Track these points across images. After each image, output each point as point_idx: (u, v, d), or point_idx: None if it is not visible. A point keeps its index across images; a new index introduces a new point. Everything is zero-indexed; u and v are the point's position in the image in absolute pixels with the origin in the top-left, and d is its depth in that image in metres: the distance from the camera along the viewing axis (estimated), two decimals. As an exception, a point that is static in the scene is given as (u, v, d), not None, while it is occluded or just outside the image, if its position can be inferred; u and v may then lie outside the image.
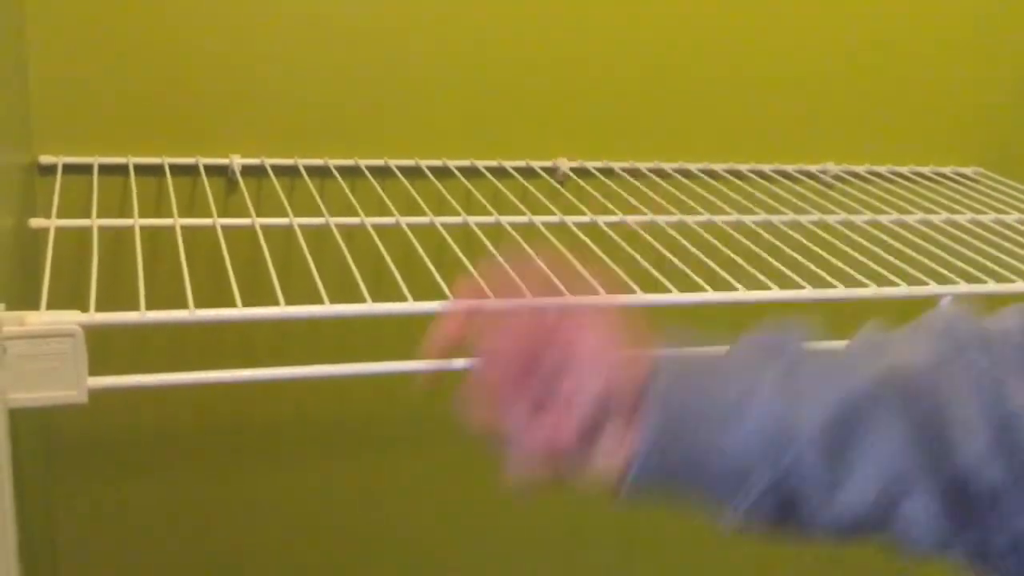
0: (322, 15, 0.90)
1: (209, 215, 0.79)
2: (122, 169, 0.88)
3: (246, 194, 0.86)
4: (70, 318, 0.55)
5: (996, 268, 0.84)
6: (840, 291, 0.77)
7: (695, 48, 1.01)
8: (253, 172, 0.92)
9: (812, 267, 0.80)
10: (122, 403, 0.97)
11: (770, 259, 0.81)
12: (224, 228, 0.76)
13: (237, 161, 0.91)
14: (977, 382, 0.44)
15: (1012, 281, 0.82)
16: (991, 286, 0.81)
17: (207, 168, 0.89)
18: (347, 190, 0.88)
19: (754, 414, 0.45)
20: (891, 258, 0.83)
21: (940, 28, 1.07)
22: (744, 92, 1.04)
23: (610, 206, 0.91)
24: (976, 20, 1.08)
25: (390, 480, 1.12)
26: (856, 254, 0.83)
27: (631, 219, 0.87)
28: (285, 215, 0.81)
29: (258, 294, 0.67)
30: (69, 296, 0.61)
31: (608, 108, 1.00)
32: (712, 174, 1.03)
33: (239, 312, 0.64)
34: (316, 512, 1.11)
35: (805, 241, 0.86)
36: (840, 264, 0.81)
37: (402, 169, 0.94)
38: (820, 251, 0.83)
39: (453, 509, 1.16)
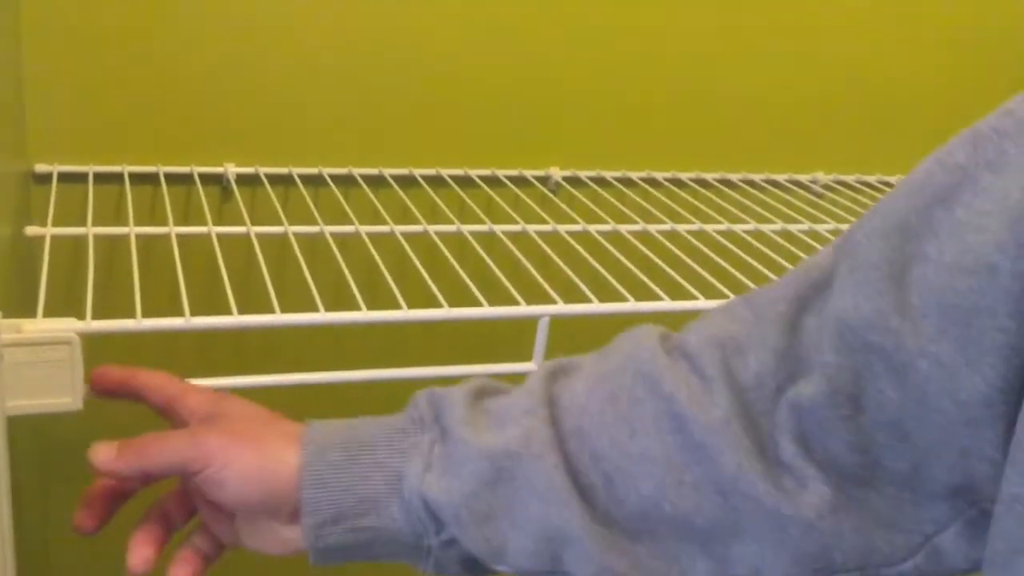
0: (317, 25, 0.91)
1: (204, 223, 0.79)
2: (117, 178, 0.88)
3: (240, 202, 0.86)
4: (67, 326, 0.55)
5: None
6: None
7: (686, 59, 1.02)
8: (247, 181, 0.92)
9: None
10: (116, 411, 0.97)
11: (761, 267, 0.82)
12: (219, 236, 0.77)
13: (232, 170, 0.91)
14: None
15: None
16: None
17: (202, 177, 0.90)
18: (341, 198, 0.88)
19: (405, 496, 0.47)
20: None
21: (928, 38, 1.09)
22: (734, 102, 1.05)
23: (602, 214, 0.92)
24: (962, 34, 1.09)
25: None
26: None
27: (623, 228, 0.88)
28: (280, 223, 0.81)
29: (252, 302, 0.68)
30: (65, 304, 0.61)
31: (600, 118, 1.01)
32: (703, 183, 1.04)
33: (234, 320, 0.65)
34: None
35: (795, 250, 0.87)
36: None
37: (396, 178, 0.94)
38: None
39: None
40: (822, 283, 0.45)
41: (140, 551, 0.52)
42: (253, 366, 0.69)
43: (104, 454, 0.51)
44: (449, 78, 0.95)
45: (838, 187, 1.08)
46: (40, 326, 0.55)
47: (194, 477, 0.49)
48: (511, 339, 0.83)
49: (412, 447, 0.48)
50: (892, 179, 1.11)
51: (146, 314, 0.62)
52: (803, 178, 1.08)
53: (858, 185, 1.09)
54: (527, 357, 0.71)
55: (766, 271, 0.81)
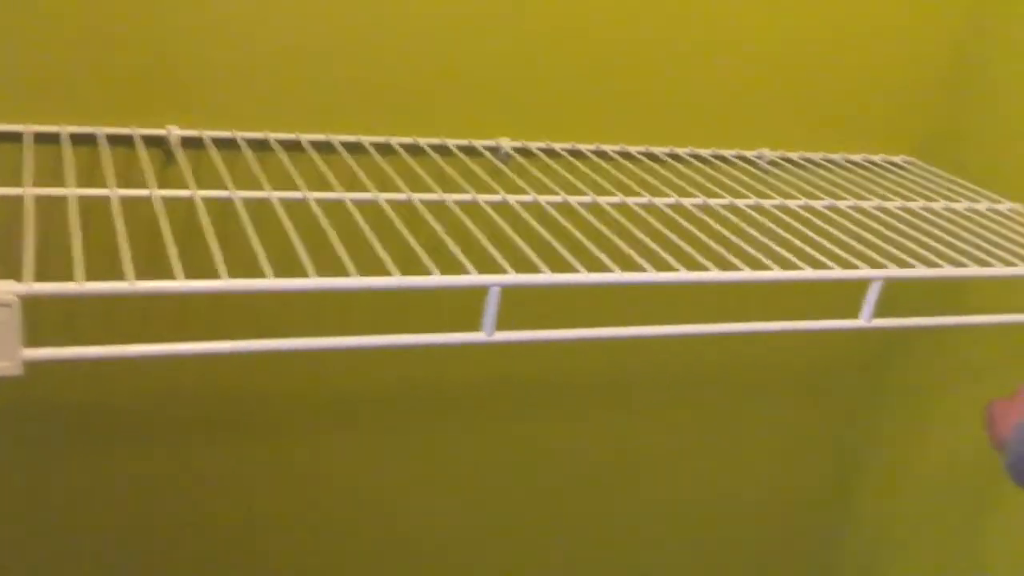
0: (264, -14, 0.89)
1: (146, 187, 0.77)
2: (54, 138, 0.85)
3: (184, 166, 0.84)
4: (6, 287, 0.53)
5: (924, 253, 0.86)
6: (776, 273, 0.79)
7: (635, 31, 1.01)
8: (191, 144, 0.90)
9: (750, 250, 0.82)
10: (54, 376, 0.95)
11: (709, 241, 0.83)
12: (162, 200, 0.75)
13: (175, 132, 0.89)
14: None
15: (939, 266, 0.85)
16: (920, 271, 0.83)
17: (144, 139, 0.87)
18: (288, 164, 0.87)
19: None
20: (825, 242, 0.85)
21: (873, 19, 1.10)
22: (683, 77, 1.05)
23: (552, 186, 0.92)
24: (910, 12, 1.11)
25: (328, 461, 1.12)
26: (791, 237, 0.85)
27: (573, 199, 0.88)
28: (224, 188, 0.79)
29: (196, 267, 0.66)
30: (2, 267, 0.59)
31: (550, 89, 1.01)
32: (652, 157, 1.04)
33: (180, 284, 0.63)
34: (251, 488, 1.10)
35: (743, 224, 0.88)
36: (776, 247, 0.83)
37: (345, 145, 0.93)
38: (757, 234, 0.85)
39: (367, 495, 1.16)
40: None
41: None
42: (197, 332, 0.67)
43: None
44: (398, 46, 0.94)
45: (783, 163, 1.09)
46: (-24, 288, 0.53)
47: None
48: (461, 309, 0.82)
49: None
50: (835, 156, 1.13)
51: (86, 279, 0.60)
52: (750, 154, 1.09)
53: (802, 162, 1.10)
54: (476, 327, 0.71)
55: (714, 244, 0.82)
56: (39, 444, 0.98)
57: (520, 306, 0.84)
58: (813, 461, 1.36)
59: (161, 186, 0.79)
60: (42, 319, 0.59)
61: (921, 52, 1.14)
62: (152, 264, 0.77)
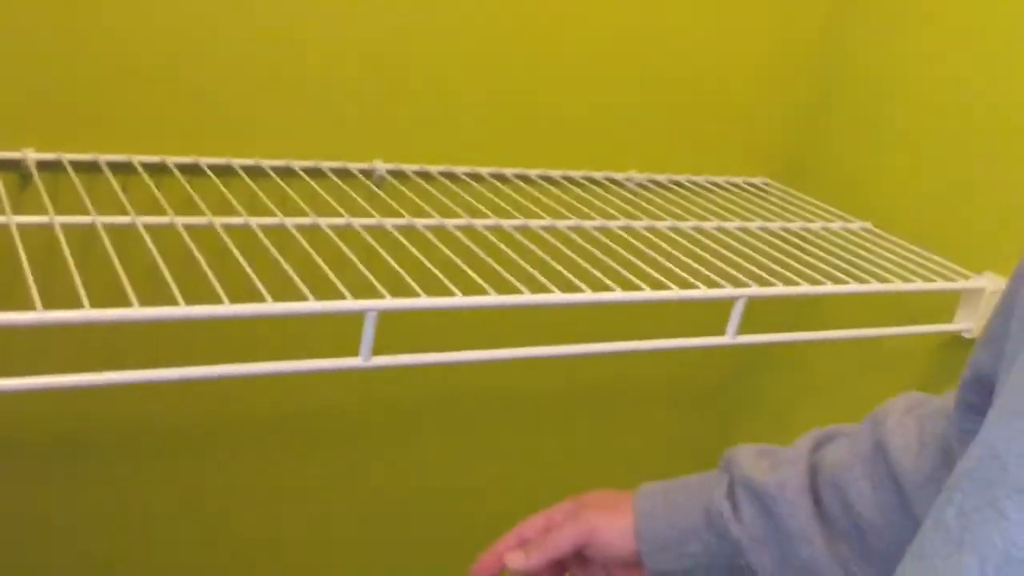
0: (126, 6, 0.86)
1: (1, 212, 0.74)
2: None
3: (42, 190, 0.81)
4: None
5: (784, 272, 0.91)
6: (647, 293, 0.81)
7: (504, 55, 1.03)
8: (49, 167, 0.86)
9: (622, 271, 0.84)
10: None
11: (582, 262, 0.85)
12: (18, 227, 0.71)
13: (31, 155, 0.85)
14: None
15: (797, 284, 0.89)
16: (779, 288, 0.87)
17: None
18: (153, 187, 0.84)
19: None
20: (691, 262, 0.88)
21: (736, 46, 1.15)
22: (555, 100, 1.07)
23: (428, 208, 0.92)
24: (769, 41, 1.16)
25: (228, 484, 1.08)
26: (660, 258, 0.88)
27: (448, 222, 0.88)
28: (86, 213, 0.76)
29: (56, 296, 0.64)
30: None
31: (424, 111, 1.01)
32: (525, 179, 1.06)
33: (37, 316, 0.60)
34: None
35: (613, 245, 0.90)
36: (646, 267, 0.85)
37: (213, 168, 0.91)
38: (627, 255, 0.88)
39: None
40: None
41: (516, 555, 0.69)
42: (57, 364, 0.64)
43: (518, 560, 0.68)
44: (269, 64, 0.93)
45: (651, 185, 1.12)
46: None
47: (586, 549, 0.68)
48: (337, 334, 0.82)
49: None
50: (699, 179, 1.17)
51: (-64, 310, 0.57)
52: (619, 176, 1.12)
53: (669, 184, 1.14)
54: (354, 352, 0.71)
55: (588, 267, 0.84)
56: None
57: (397, 330, 0.84)
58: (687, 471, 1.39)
59: (18, 211, 0.76)
60: None
61: (780, 78, 1.20)
62: (8, 293, 0.73)
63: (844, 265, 0.95)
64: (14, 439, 0.97)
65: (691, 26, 1.12)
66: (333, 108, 0.97)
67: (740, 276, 0.88)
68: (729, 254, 0.93)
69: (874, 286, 0.92)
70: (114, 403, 0.99)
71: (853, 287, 0.91)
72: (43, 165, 0.85)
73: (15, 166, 0.85)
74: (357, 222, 0.85)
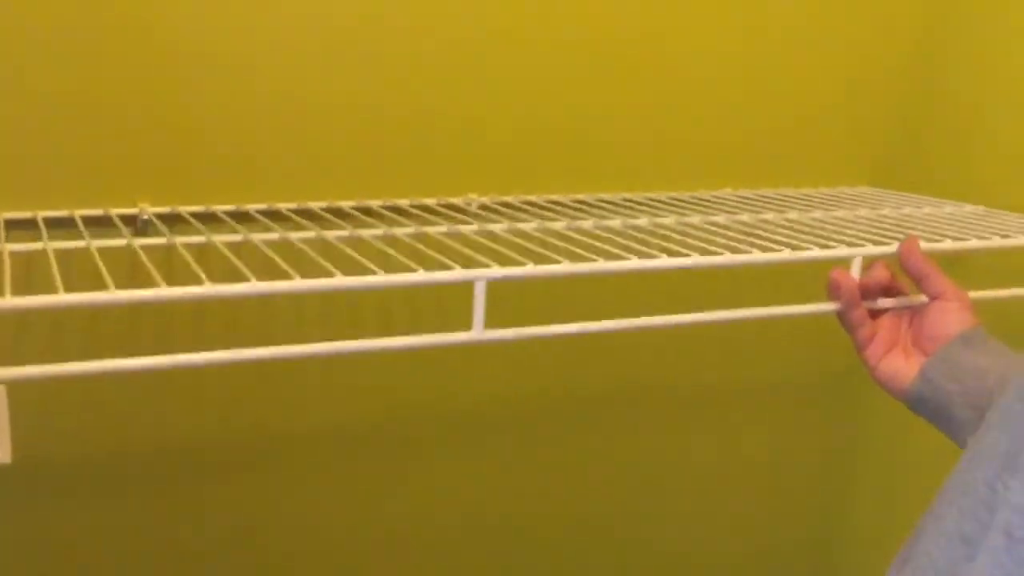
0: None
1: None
2: None
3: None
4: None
5: (906, 234, 0.86)
6: (756, 256, 0.78)
7: (601, 75, 1.05)
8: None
9: (731, 242, 0.81)
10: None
11: (695, 242, 0.82)
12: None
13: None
14: None
15: (939, 241, 0.85)
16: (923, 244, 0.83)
17: None
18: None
19: None
20: (798, 234, 0.85)
21: (831, 57, 1.15)
22: (652, 127, 1.08)
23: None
24: (864, 45, 1.15)
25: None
26: (766, 232, 0.85)
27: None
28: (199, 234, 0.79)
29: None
30: None
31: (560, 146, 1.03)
32: (631, 202, 1.05)
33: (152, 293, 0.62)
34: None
35: (722, 231, 0.88)
36: (756, 240, 0.83)
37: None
38: (740, 235, 0.85)
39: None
40: None
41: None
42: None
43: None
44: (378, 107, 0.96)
45: (750, 197, 1.10)
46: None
47: (930, 296, 0.75)
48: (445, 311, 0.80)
49: None
50: (795, 192, 1.14)
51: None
52: (712, 194, 1.10)
53: (756, 198, 1.10)
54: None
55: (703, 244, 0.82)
56: None
57: (503, 305, 0.81)
58: (806, 470, 1.31)
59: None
60: None
61: (878, 81, 1.18)
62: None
63: (968, 230, 0.91)
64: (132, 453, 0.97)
65: (788, 39, 1.12)
66: (427, 147, 0.99)
67: (857, 241, 0.84)
68: (845, 230, 0.89)
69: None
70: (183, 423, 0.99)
71: (1009, 241, 0.86)
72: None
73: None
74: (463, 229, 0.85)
